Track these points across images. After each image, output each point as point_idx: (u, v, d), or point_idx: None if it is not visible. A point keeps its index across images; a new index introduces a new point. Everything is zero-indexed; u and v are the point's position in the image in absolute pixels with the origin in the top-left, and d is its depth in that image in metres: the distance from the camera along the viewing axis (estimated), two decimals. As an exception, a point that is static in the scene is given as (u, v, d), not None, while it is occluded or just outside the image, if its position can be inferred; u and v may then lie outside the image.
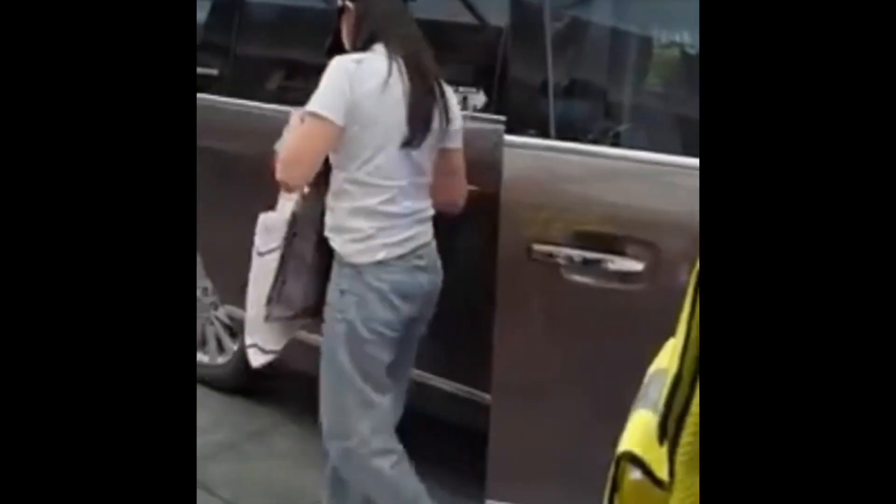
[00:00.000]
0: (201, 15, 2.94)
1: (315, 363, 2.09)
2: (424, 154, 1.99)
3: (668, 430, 0.92)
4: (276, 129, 2.07)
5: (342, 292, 1.96)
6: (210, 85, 2.88)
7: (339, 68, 1.89)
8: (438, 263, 2.06)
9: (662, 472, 0.94)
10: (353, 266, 1.94)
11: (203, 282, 3.09)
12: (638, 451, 0.95)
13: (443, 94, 2.01)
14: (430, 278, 2.03)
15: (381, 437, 2.05)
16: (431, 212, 2.04)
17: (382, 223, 1.93)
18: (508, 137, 1.91)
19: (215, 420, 2.92)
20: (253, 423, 2.94)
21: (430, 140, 1.98)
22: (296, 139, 1.94)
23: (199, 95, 2.67)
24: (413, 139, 1.93)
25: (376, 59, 1.92)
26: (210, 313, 3.17)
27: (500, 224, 1.90)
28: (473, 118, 2.21)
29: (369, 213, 1.93)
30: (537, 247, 1.86)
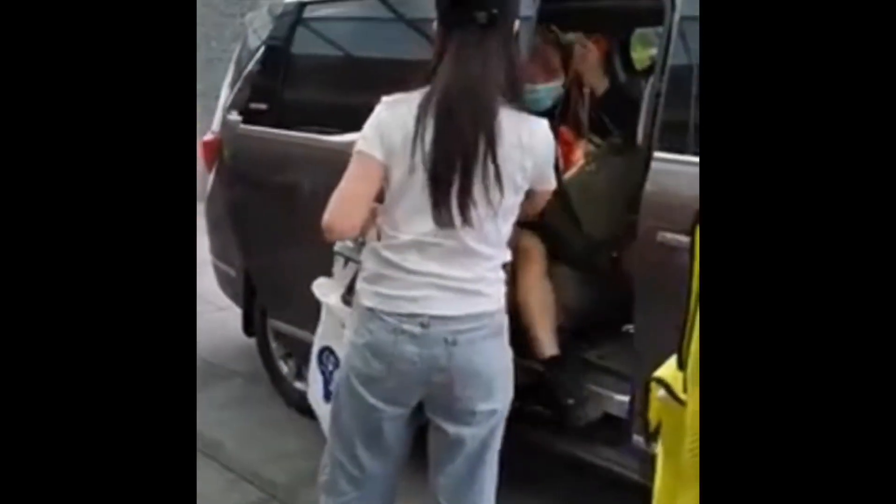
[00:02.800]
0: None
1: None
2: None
3: (682, 356, 1.25)
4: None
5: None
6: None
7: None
8: (459, 346, 1.64)
9: (681, 392, 1.26)
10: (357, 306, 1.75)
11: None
12: (663, 376, 1.27)
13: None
14: (424, 353, 1.64)
15: None
16: (475, 286, 1.66)
17: (384, 269, 1.67)
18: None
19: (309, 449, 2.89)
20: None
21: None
22: None
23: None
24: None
25: None
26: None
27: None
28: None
29: (375, 252, 1.71)
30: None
